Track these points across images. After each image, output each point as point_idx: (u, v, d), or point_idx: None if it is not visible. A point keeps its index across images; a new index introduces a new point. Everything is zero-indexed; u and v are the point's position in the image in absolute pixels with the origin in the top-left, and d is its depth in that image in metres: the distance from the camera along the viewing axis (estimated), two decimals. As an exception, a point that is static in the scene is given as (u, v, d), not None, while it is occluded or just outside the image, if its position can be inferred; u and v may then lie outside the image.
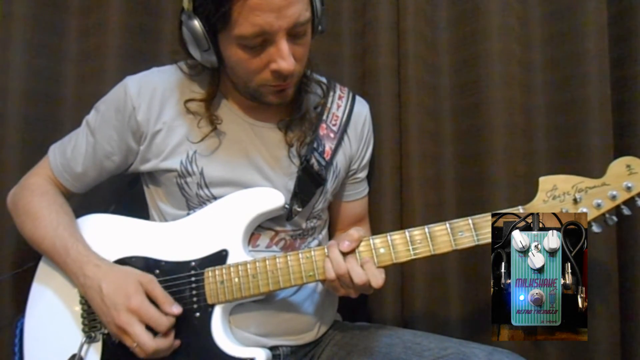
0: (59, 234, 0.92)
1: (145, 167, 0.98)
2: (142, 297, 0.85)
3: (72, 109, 1.22)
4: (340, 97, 1.07)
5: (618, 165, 0.83)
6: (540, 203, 0.84)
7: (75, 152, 1.00)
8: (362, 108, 1.11)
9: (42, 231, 0.94)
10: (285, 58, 0.83)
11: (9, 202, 1.03)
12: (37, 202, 0.97)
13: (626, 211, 0.84)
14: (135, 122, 0.95)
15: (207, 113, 0.95)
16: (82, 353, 0.90)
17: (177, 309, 0.86)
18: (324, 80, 1.08)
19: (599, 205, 0.83)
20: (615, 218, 0.84)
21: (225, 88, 0.99)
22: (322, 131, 1.02)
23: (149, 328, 0.84)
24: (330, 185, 1.03)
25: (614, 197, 0.82)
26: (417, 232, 0.84)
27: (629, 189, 0.82)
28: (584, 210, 0.83)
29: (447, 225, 0.84)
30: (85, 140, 1.00)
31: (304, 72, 0.98)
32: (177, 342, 0.87)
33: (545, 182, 0.85)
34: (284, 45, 0.83)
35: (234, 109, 0.99)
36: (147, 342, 0.82)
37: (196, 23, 0.84)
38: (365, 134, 1.10)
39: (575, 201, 0.83)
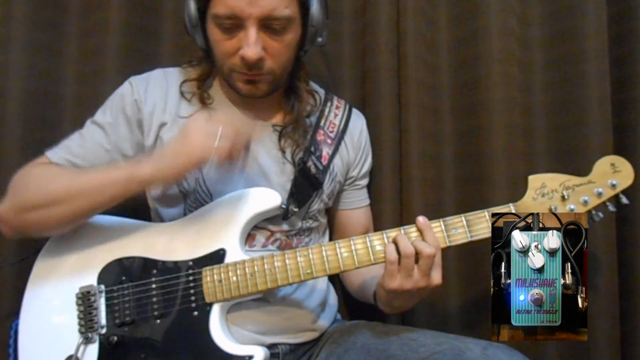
0: (89, 170, 0.91)
1: None
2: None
3: (72, 109, 1.22)
4: (337, 107, 1.09)
5: (603, 164, 0.87)
6: (530, 200, 0.87)
7: (85, 148, 0.96)
8: (358, 119, 1.12)
9: (64, 179, 0.89)
10: (250, 45, 0.85)
11: (5, 212, 0.91)
12: (41, 170, 0.93)
13: (611, 208, 0.88)
14: (142, 117, 0.97)
15: (199, 91, 0.98)
16: (79, 354, 0.89)
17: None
18: (320, 91, 1.09)
19: (585, 202, 0.86)
20: (601, 214, 0.88)
21: (222, 84, 1.01)
22: (320, 137, 1.04)
23: None
24: (327, 187, 1.04)
25: (599, 194, 0.86)
26: (412, 230, 0.86)
27: (613, 186, 0.86)
28: (572, 207, 0.86)
29: (441, 222, 0.86)
30: (95, 138, 0.97)
31: (293, 78, 1.00)
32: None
33: (534, 180, 0.88)
34: (251, 33, 0.85)
35: (231, 106, 1.01)
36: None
37: (191, 1, 0.90)
38: (362, 144, 1.11)
39: (563, 198, 0.86)
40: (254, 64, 0.88)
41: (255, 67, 0.89)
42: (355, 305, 1.21)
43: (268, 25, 0.86)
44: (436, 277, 0.82)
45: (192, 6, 0.90)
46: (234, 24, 0.86)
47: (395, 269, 0.82)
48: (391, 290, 0.83)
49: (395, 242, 0.83)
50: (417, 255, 0.81)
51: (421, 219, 0.85)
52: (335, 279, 1.20)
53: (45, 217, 0.88)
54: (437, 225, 0.85)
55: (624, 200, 0.87)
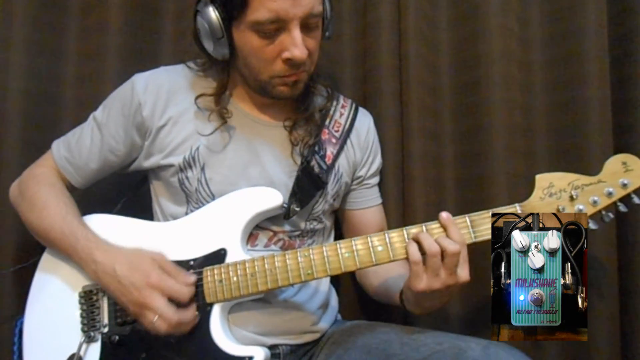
0: (67, 222, 0.93)
1: (149, 162, 0.99)
2: (160, 272, 0.86)
3: (72, 109, 1.23)
4: (343, 107, 1.09)
5: (614, 163, 0.84)
6: (537, 200, 0.85)
7: (80, 145, 1.01)
8: (364, 118, 1.12)
9: (50, 220, 0.94)
10: (298, 46, 0.86)
11: (13, 193, 1.04)
12: (45, 192, 0.98)
13: (622, 208, 0.85)
14: (141, 118, 0.96)
15: (217, 107, 0.96)
16: (81, 353, 0.90)
17: (191, 278, 0.88)
18: (329, 84, 1.09)
19: (595, 202, 0.83)
20: (611, 215, 0.86)
21: (232, 86, 1.01)
22: (324, 136, 1.03)
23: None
24: (331, 188, 1.04)
25: (610, 194, 0.83)
26: (415, 230, 0.85)
27: (624, 186, 0.83)
28: (580, 207, 0.83)
29: None
30: (91, 134, 1.01)
31: (311, 73, 0.99)
32: (196, 314, 0.88)
33: (542, 180, 0.86)
34: (297, 33, 0.85)
35: (239, 107, 1.00)
36: (171, 313, 0.83)
37: (212, 11, 0.87)
38: (370, 143, 1.11)
39: (571, 198, 0.84)
40: (300, 64, 0.88)
41: (301, 66, 0.89)
42: (356, 305, 1.21)
43: (306, 24, 0.87)
44: (463, 274, 0.81)
45: (215, 16, 0.87)
46: (276, 28, 0.85)
47: (420, 269, 0.81)
48: (419, 291, 0.82)
49: (417, 240, 0.82)
50: (442, 253, 0.80)
51: (444, 215, 0.83)
52: (339, 280, 1.21)
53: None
54: (439, 226, 0.84)
55: (636, 200, 0.84)
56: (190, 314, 0.86)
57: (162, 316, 0.83)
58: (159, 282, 0.85)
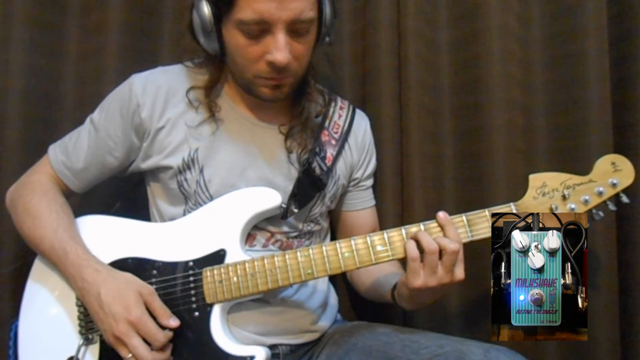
0: (58, 235, 0.92)
1: (147, 164, 0.98)
2: (142, 310, 0.85)
3: (72, 109, 1.22)
4: (341, 108, 1.09)
5: (604, 163, 0.87)
6: (530, 200, 0.87)
7: (77, 148, 1.01)
8: (361, 120, 1.12)
9: (41, 231, 0.93)
10: (280, 50, 0.85)
11: (8, 200, 1.03)
12: (38, 201, 0.97)
13: (611, 207, 0.88)
14: (139, 119, 0.95)
15: (207, 100, 0.97)
16: (80, 355, 0.90)
17: (174, 322, 0.87)
18: (326, 90, 1.09)
19: (586, 201, 0.86)
20: (601, 213, 0.88)
21: (229, 87, 1.01)
22: (324, 137, 1.03)
23: (146, 341, 0.84)
24: (329, 190, 1.04)
25: (600, 194, 0.86)
26: (414, 229, 0.85)
27: (614, 185, 0.86)
28: (572, 206, 0.86)
29: None
30: (88, 136, 1.00)
31: (305, 79, 0.99)
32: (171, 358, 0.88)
33: (535, 180, 0.88)
34: (281, 37, 0.84)
35: (236, 108, 1.00)
36: (145, 355, 0.83)
37: (204, 5, 0.87)
38: (366, 145, 1.11)
39: (563, 197, 0.86)
40: (282, 68, 0.87)
41: (283, 71, 0.88)
42: (355, 305, 1.21)
43: (294, 28, 0.85)
44: (459, 273, 0.82)
45: (207, 11, 0.87)
46: (261, 29, 0.84)
47: (418, 266, 0.82)
48: (415, 288, 0.83)
49: (415, 239, 0.83)
50: (441, 252, 0.81)
51: (442, 215, 0.85)
52: (337, 279, 1.21)
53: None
54: (437, 225, 0.85)
55: (625, 199, 0.86)
56: (165, 356, 0.86)
57: (135, 356, 0.83)
58: (138, 320, 0.84)
